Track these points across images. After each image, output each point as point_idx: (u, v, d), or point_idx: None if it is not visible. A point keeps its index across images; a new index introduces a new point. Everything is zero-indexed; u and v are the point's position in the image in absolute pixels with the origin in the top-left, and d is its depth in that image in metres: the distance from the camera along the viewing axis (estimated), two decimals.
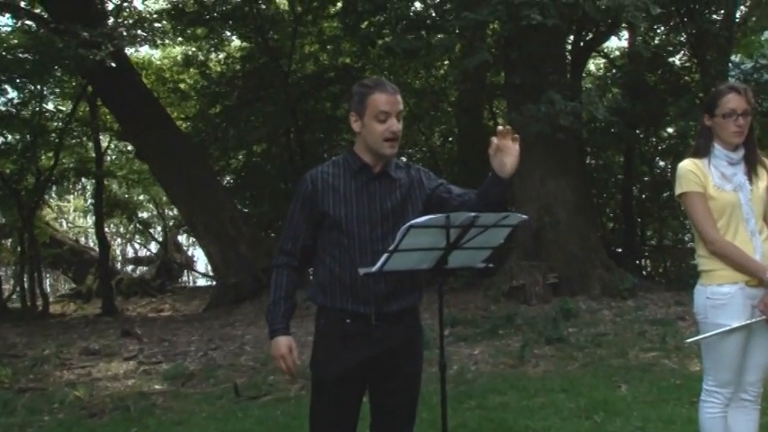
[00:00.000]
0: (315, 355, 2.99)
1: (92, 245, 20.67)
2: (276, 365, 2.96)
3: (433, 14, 11.62)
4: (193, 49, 16.86)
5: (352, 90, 2.97)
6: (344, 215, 2.86)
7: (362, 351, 2.88)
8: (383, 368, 2.92)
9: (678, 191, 3.44)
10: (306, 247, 2.96)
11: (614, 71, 15.16)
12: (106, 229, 17.78)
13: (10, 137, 14.68)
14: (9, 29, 13.09)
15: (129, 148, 17.51)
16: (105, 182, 16.62)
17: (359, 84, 2.99)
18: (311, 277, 3.04)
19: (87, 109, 15.18)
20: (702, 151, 3.44)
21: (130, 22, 12.85)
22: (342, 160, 2.97)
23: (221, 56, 17.03)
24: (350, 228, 2.86)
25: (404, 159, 3.12)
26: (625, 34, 13.94)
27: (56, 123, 15.35)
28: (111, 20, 12.90)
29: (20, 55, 11.45)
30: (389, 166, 2.96)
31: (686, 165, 3.43)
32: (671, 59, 13.91)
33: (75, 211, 23.59)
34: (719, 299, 3.36)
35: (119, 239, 24.18)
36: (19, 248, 15.19)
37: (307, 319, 10.35)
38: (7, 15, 12.40)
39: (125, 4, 14.06)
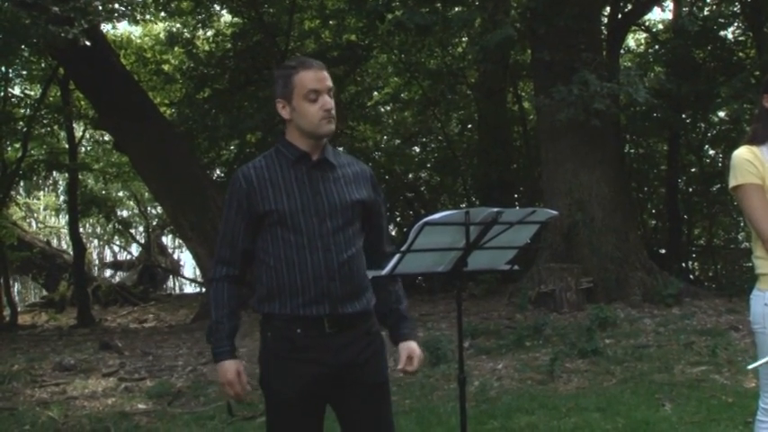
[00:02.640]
0: (265, 373, 3.01)
1: (65, 247, 20.81)
2: (223, 392, 3.01)
3: None
4: (178, 25, 16.92)
5: (273, 75, 3.01)
6: (289, 209, 2.89)
7: (318, 365, 2.89)
8: (342, 381, 2.93)
9: (732, 183, 3.43)
10: (246, 252, 2.99)
11: (657, 47, 15.11)
12: (81, 230, 17.90)
13: None
14: None
15: (107, 137, 17.60)
16: (80, 176, 16.69)
17: (279, 67, 3.05)
18: (255, 285, 3.05)
19: (59, 94, 15.26)
20: (761, 137, 3.44)
21: None
22: (274, 152, 3.00)
23: (210, 33, 17.08)
24: (296, 222, 2.88)
25: (349, 155, 3.17)
26: (669, 5, 13.91)
27: (23, 110, 15.44)
28: None
29: None
30: (327, 152, 3.00)
31: (742, 153, 3.42)
32: (722, 33, 13.86)
33: (45, 209, 23.73)
34: None
35: (95, 241, 24.31)
36: None
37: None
38: None
39: None
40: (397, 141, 18.29)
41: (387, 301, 3.08)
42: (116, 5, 11.66)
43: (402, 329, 3.09)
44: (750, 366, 3.44)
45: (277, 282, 2.91)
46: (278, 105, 2.96)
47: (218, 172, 17.57)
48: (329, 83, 2.94)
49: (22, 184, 19.58)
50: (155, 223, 21.55)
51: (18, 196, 20.41)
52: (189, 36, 16.83)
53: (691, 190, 15.76)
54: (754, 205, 3.36)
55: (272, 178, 2.92)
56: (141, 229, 22.40)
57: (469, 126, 17.88)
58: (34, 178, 18.20)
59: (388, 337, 3.14)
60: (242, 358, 9.24)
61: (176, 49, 16.98)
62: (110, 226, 22.33)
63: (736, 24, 13.94)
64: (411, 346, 3.06)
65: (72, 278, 15.92)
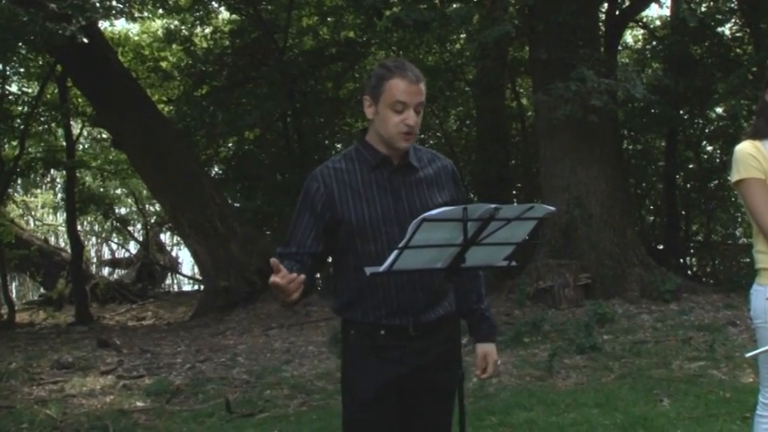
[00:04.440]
0: (346, 372, 2.98)
1: (63, 245, 20.78)
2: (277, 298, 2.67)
3: None
4: (176, 22, 16.89)
5: (371, 70, 2.95)
6: (369, 218, 2.83)
7: (401, 364, 2.88)
8: (418, 383, 2.93)
9: (735, 177, 3.43)
10: (315, 256, 2.89)
11: (654, 43, 15.11)
12: (79, 228, 17.85)
13: None
14: None
15: (105, 135, 17.58)
16: (77, 174, 16.67)
17: (380, 64, 2.97)
18: (336, 290, 2.99)
19: (56, 91, 15.23)
20: (763, 132, 3.44)
21: None
22: (354, 153, 2.94)
23: (208, 30, 17.05)
24: (377, 232, 2.84)
25: (430, 150, 3.11)
26: (667, 1, 13.91)
27: (21, 107, 15.40)
28: None
29: None
30: (408, 155, 2.94)
31: (745, 147, 3.42)
32: (720, 29, 13.86)
33: (43, 206, 23.68)
34: None
35: (93, 239, 24.26)
36: None
37: (307, 326, 10.42)
38: None
39: None
40: None
41: (467, 299, 3.06)
42: (114, 2, 11.65)
43: (482, 330, 3.07)
44: (748, 354, 3.44)
45: (359, 293, 2.88)
46: (365, 102, 2.90)
47: (216, 169, 17.57)
48: (421, 98, 2.86)
49: (19, 181, 19.52)
50: (153, 221, 21.52)
51: (15, 194, 20.38)
52: (187, 33, 16.81)
53: (688, 186, 15.76)
54: (756, 199, 3.36)
55: (351, 183, 2.86)
56: (139, 226, 22.36)
57: (467, 122, 17.88)
58: (32, 176, 18.16)
59: (469, 335, 3.13)
60: (241, 355, 9.28)
61: (174, 46, 16.96)
62: (108, 223, 22.31)
63: (733, 21, 13.94)
64: (487, 350, 3.04)
65: (70, 276, 15.89)
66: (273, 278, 2.56)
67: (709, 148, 15.82)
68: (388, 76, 2.85)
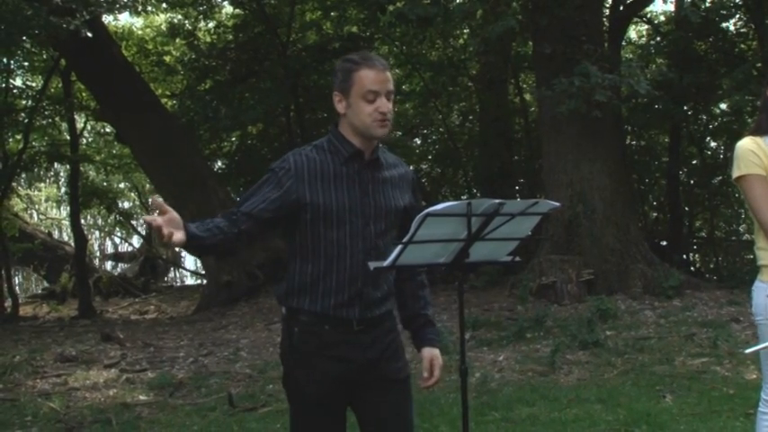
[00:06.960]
0: (290, 370, 2.96)
1: (66, 239, 20.82)
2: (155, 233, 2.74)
3: None
4: (180, 16, 16.89)
5: (334, 66, 2.96)
6: (336, 205, 2.84)
7: (345, 362, 2.88)
8: (367, 377, 2.93)
9: (736, 173, 3.42)
10: (259, 221, 2.77)
11: (659, 39, 15.07)
12: (83, 221, 17.90)
13: None
14: None
15: (108, 129, 17.59)
16: (81, 168, 16.69)
17: (343, 59, 2.97)
18: (285, 276, 2.97)
19: (60, 85, 15.24)
20: (764, 128, 3.43)
21: None
22: (326, 144, 2.94)
23: (211, 24, 17.06)
24: (342, 221, 2.84)
25: (393, 155, 3.13)
26: None
27: (25, 101, 15.43)
28: None
29: None
30: (378, 151, 2.97)
31: (746, 144, 3.41)
32: (724, 25, 13.81)
33: (47, 200, 23.76)
34: None
35: (97, 233, 24.33)
36: None
37: None
38: None
39: None
40: (399, 133, 18.26)
41: (415, 305, 3.08)
42: None
43: (427, 334, 3.08)
44: (748, 350, 3.43)
45: (311, 278, 2.87)
46: (335, 98, 2.91)
47: (219, 163, 17.58)
48: (390, 86, 2.88)
49: (23, 175, 19.58)
50: (156, 215, 21.57)
51: (19, 188, 20.42)
52: (190, 28, 16.82)
53: (692, 182, 15.75)
54: (756, 196, 3.36)
55: (322, 171, 2.85)
56: (142, 220, 22.39)
57: (471, 118, 17.86)
58: (36, 170, 18.22)
59: (412, 341, 3.13)
60: (243, 349, 9.28)
61: (178, 40, 16.97)
62: (111, 217, 22.36)
63: (737, 16, 13.90)
64: (434, 353, 3.04)
65: (73, 269, 15.94)
66: (152, 218, 2.68)
67: (713, 144, 15.81)
68: (356, 68, 2.86)
